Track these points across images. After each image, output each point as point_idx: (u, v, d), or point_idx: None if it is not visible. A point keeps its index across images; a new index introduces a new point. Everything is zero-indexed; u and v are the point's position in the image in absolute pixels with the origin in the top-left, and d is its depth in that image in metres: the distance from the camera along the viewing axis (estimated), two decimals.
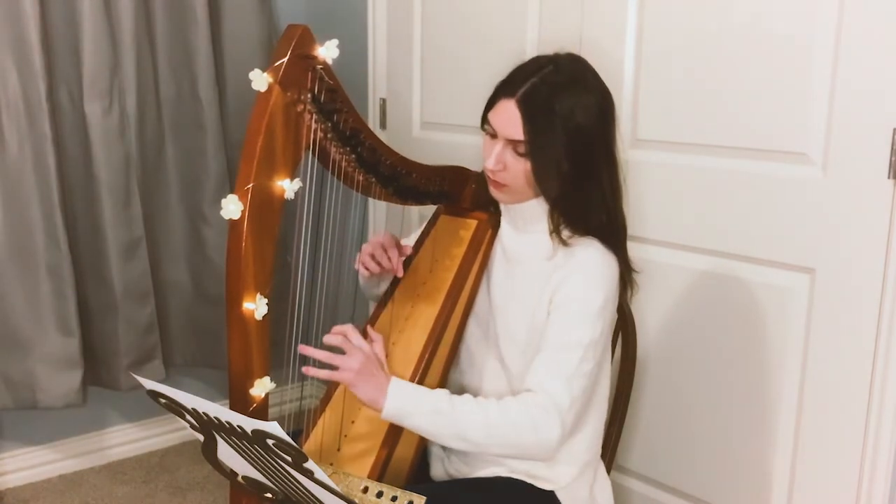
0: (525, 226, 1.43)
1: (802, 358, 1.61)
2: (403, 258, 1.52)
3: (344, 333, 1.29)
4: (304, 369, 1.26)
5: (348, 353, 1.27)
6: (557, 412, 1.27)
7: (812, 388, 1.60)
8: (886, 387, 1.49)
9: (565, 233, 1.37)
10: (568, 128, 1.30)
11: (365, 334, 1.34)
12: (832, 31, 1.48)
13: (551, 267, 1.37)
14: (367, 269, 1.51)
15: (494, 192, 1.40)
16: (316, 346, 1.27)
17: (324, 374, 1.26)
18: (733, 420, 1.74)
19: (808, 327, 1.59)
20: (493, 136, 1.36)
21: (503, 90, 1.34)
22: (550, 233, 1.38)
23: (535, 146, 1.31)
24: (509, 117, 1.31)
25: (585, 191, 1.35)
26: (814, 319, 1.58)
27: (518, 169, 1.34)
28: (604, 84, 1.36)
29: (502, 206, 1.46)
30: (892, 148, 1.43)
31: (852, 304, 1.52)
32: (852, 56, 1.46)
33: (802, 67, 1.53)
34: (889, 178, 1.44)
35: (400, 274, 1.50)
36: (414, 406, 1.26)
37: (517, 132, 1.31)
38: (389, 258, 1.49)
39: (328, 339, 1.30)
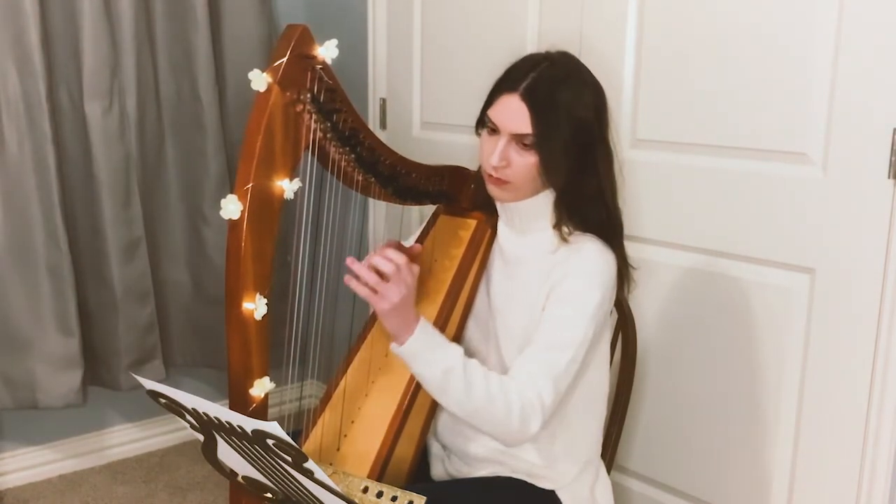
0: (524, 225, 1.43)
1: (802, 358, 1.61)
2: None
3: (398, 265, 1.24)
4: (345, 280, 1.24)
5: (394, 283, 1.23)
6: (542, 410, 1.28)
7: (812, 388, 1.60)
8: (886, 387, 1.49)
9: (565, 229, 1.37)
10: (571, 119, 1.31)
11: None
12: (832, 31, 1.48)
13: (552, 262, 1.38)
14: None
15: (495, 191, 1.40)
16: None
17: (363, 291, 1.23)
18: (733, 420, 1.74)
19: (808, 327, 1.59)
20: (493, 132, 1.36)
21: (503, 86, 1.34)
22: (554, 226, 1.38)
23: (542, 138, 1.31)
24: (514, 111, 1.32)
25: (585, 185, 1.36)
26: (814, 319, 1.58)
27: (522, 164, 1.34)
28: (596, 79, 1.38)
29: (500, 207, 1.46)
30: (892, 148, 1.43)
31: (852, 304, 1.52)
32: (852, 56, 1.46)
33: (802, 67, 1.53)
34: (889, 178, 1.44)
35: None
36: (430, 354, 1.27)
37: (524, 125, 1.31)
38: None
39: (378, 262, 1.24)
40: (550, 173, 1.34)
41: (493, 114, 1.35)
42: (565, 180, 1.35)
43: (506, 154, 1.34)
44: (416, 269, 1.28)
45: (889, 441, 1.50)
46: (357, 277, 1.25)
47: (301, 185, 1.26)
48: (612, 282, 1.37)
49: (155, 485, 2.47)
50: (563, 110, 1.31)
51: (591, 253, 1.36)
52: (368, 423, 1.37)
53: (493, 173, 1.36)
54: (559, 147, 1.32)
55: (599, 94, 1.37)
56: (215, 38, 2.44)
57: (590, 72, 1.38)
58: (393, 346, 1.28)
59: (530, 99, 1.31)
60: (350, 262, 1.24)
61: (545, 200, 1.40)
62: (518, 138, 1.33)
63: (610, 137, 1.39)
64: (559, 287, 1.35)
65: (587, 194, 1.37)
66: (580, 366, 1.33)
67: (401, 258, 1.25)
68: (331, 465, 1.31)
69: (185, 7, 2.36)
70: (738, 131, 1.64)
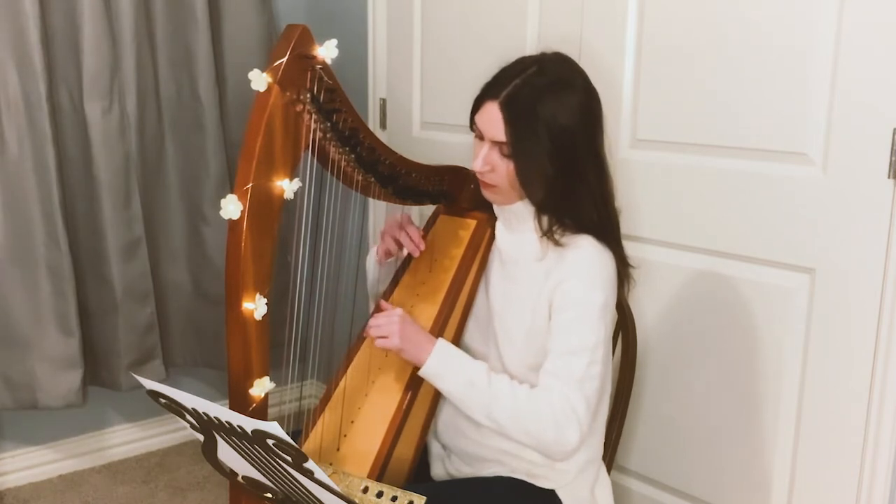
0: (517, 226, 1.43)
1: (802, 358, 1.61)
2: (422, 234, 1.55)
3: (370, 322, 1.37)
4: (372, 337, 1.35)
5: (383, 317, 1.34)
6: (575, 416, 1.29)
7: (812, 388, 1.60)
8: (886, 387, 1.49)
9: (557, 233, 1.37)
10: (551, 129, 1.30)
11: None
12: (832, 32, 1.48)
13: (545, 267, 1.38)
14: (389, 252, 1.55)
15: (485, 193, 1.41)
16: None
17: (380, 342, 1.33)
18: (733, 420, 1.74)
19: (808, 327, 1.59)
20: (481, 137, 1.36)
21: (488, 92, 1.34)
22: (541, 235, 1.38)
23: (517, 148, 1.31)
24: (493, 119, 1.32)
25: (572, 191, 1.35)
26: (814, 319, 1.58)
27: (505, 169, 1.35)
28: (590, 83, 1.36)
29: (496, 207, 1.46)
30: (892, 148, 1.43)
31: (852, 304, 1.52)
32: (852, 56, 1.46)
33: (802, 67, 1.53)
34: (889, 177, 1.44)
35: (420, 251, 1.52)
36: (453, 370, 1.33)
37: (500, 134, 1.32)
38: (409, 236, 1.53)
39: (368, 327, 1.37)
40: (525, 183, 1.34)
41: (478, 119, 1.36)
42: (545, 188, 1.34)
43: (489, 159, 1.35)
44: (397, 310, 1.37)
45: (889, 441, 1.50)
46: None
47: (301, 185, 1.26)
48: (612, 279, 1.37)
49: (155, 485, 2.46)
50: (543, 121, 1.29)
51: (584, 255, 1.35)
52: (368, 422, 1.38)
53: (480, 177, 1.37)
54: (535, 157, 1.31)
55: (590, 99, 1.35)
56: (215, 38, 2.44)
57: (583, 75, 1.36)
58: (420, 372, 1.34)
59: (508, 108, 1.31)
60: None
61: (531, 206, 1.40)
62: (498, 145, 1.33)
63: (604, 141, 1.38)
64: (560, 295, 1.34)
65: (575, 200, 1.36)
66: (603, 367, 1.34)
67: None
68: (331, 465, 1.31)
69: (185, 7, 2.36)
70: (737, 131, 1.64)
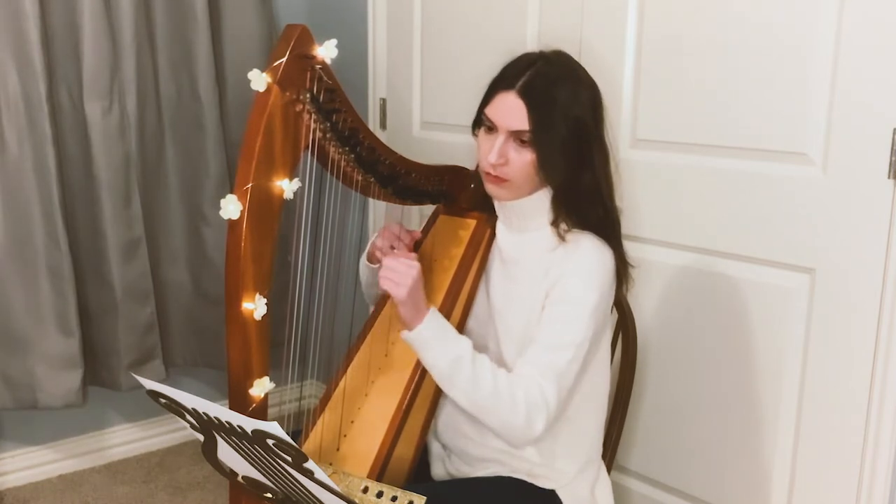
0: (522, 224, 1.43)
1: (802, 358, 1.61)
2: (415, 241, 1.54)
3: (397, 254, 1.34)
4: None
5: (402, 264, 1.30)
6: (546, 408, 1.30)
7: (812, 388, 1.60)
8: (886, 387, 1.49)
9: (563, 226, 1.38)
10: (567, 117, 1.32)
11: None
12: (832, 31, 1.48)
13: (549, 261, 1.38)
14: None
15: (493, 189, 1.40)
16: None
17: (385, 283, 1.29)
18: (733, 420, 1.74)
19: (808, 327, 1.59)
20: (490, 131, 1.36)
21: (500, 84, 1.35)
22: (551, 223, 1.38)
23: (540, 134, 1.32)
24: (511, 108, 1.32)
25: (582, 182, 1.36)
26: (814, 319, 1.58)
27: (520, 161, 1.34)
28: (591, 78, 1.38)
29: (497, 206, 1.46)
30: (892, 148, 1.43)
31: (852, 304, 1.52)
32: (852, 56, 1.46)
33: (802, 67, 1.53)
34: (889, 177, 1.44)
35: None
36: (441, 342, 1.31)
37: (521, 122, 1.32)
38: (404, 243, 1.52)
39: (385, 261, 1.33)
40: (548, 170, 1.35)
41: (491, 111, 1.36)
42: (562, 177, 1.36)
43: (504, 151, 1.35)
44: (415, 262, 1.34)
45: (889, 441, 1.50)
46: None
47: (301, 185, 1.26)
48: (610, 280, 1.37)
49: (155, 485, 2.47)
50: (560, 107, 1.31)
51: (587, 252, 1.36)
52: (368, 422, 1.38)
53: (492, 171, 1.36)
54: (556, 143, 1.32)
55: (595, 91, 1.37)
56: (215, 38, 2.44)
57: (585, 70, 1.38)
58: (404, 333, 1.32)
59: (527, 96, 1.31)
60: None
61: (543, 198, 1.40)
62: (515, 135, 1.33)
63: (606, 135, 1.39)
64: (558, 287, 1.35)
65: (584, 191, 1.37)
66: (581, 365, 1.34)
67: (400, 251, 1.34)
68: (331, 465, 1.31)
69: (185, 7, 2.36)
70: (737, 131, 1.64)
